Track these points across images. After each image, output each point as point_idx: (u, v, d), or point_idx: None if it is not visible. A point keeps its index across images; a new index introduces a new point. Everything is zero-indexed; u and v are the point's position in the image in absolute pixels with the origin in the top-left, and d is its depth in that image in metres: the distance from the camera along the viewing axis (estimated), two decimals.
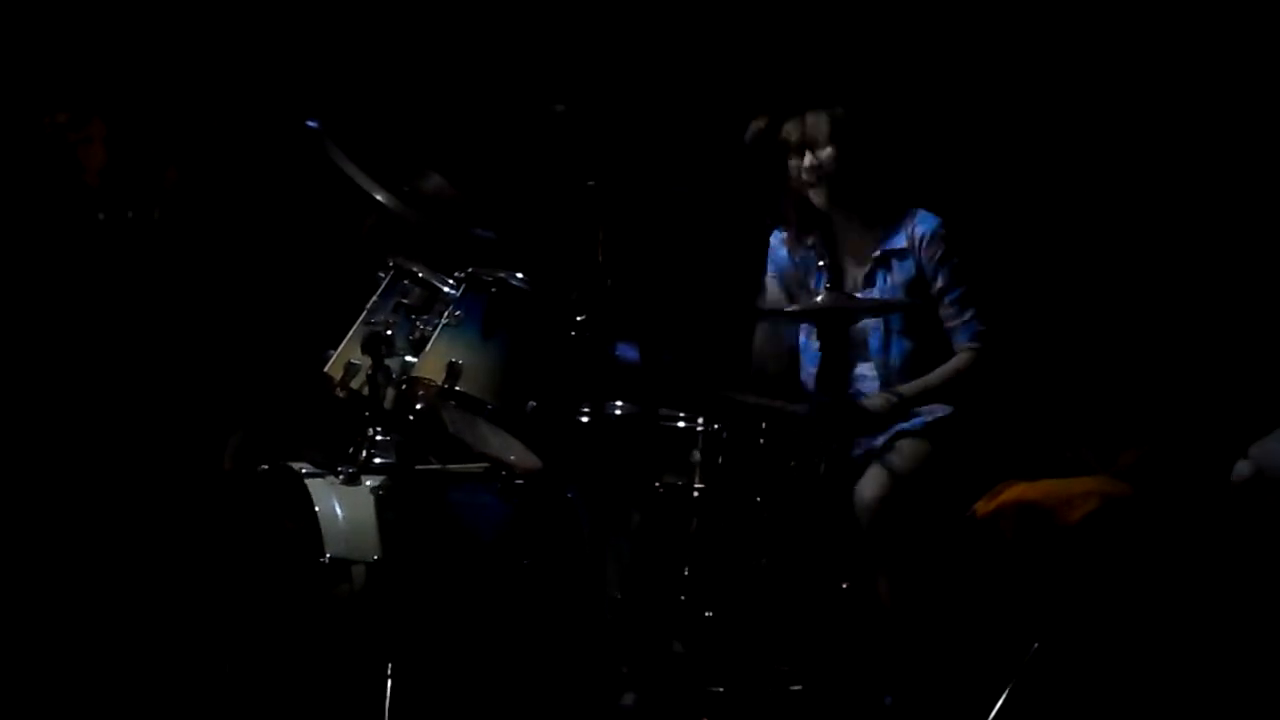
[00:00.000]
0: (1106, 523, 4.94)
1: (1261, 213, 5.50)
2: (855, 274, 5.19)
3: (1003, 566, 4.98)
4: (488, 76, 6.11)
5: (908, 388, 5.12)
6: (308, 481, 4.78)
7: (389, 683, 4.59)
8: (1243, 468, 4.93)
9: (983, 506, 5.07)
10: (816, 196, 5.17)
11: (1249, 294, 5.48)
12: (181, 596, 5.21)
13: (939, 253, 5.14)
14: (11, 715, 5.00)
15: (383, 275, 4.99)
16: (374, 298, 4.97)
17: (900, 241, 5.16)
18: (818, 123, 5.12)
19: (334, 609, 4.68)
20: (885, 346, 5.17)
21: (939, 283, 5.13)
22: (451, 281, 4.90)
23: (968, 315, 5.13)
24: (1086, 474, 5.18)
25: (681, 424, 4.81)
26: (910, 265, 5.15)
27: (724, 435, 4.78)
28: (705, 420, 4.80)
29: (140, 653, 5.18)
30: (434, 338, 4.81)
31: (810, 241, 5.24)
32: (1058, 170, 5.73)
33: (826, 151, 5.13)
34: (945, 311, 5.14)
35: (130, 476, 5.63)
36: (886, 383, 5.15)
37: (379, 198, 5.05)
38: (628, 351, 4.88)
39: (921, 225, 5.16)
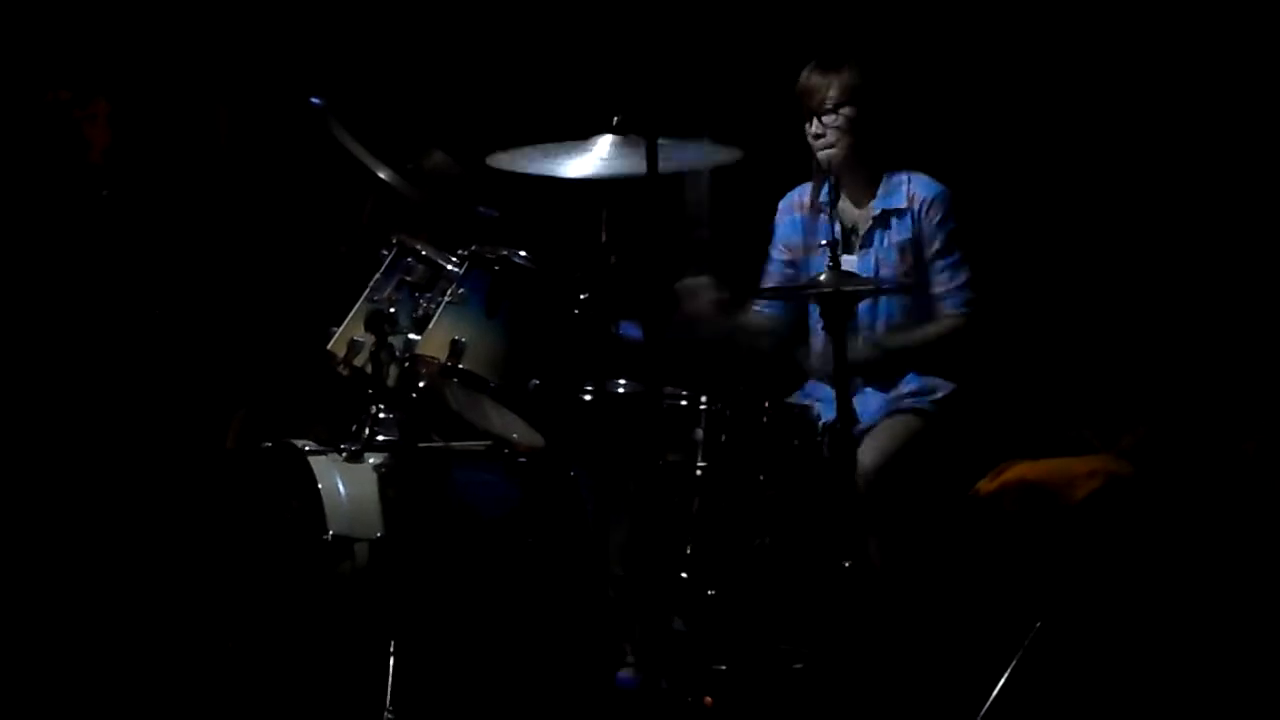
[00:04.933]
0: (1109, 502, 4.94)
1: (1264, 191, 5.49)
2: (856, 233, 5.20)
3: (1005, 546, 4.98)
4: (493, 53, 6.10)
5: (890, 340, 5.14)
6: (311, 459, 4.78)
7: (392, 660, 4.60)
8: None
9: (986, 486, 5.07)
10: (827, 156, 5.18)
11: (1252, 274, 5.47)
12: (184, 575, 5.22)
13: (938, 216, 5.16)
14: (15, 693, 5.01)
15: (386, 253, 4.99)
16: (377, 275, 4.96)
17: (899, 201, 5.18)
18: (839, 82, 5.14)
19: (337, 587, 4.68)
20: (873, 318, 5.17)
21: (935, 245, 5.15)
22: (455, 259, 4.90)
23: (959, 281, 5.16)
24: (1089, 454, 5.19)
25: (684, 402, 4.81)
26: (908, 225, 5.17)
27: (727, 413, 4.78)
28: (708, 399, 4.79)
29: (143, 631, 5.19)
30: (437, 315, 4.81)
31: (823, 209, 5.25)
32: (1065, 150, 5.72)
33: (846, 111, 5.14)
34: (937, 277, 5.16)
35: (134, 454, 5.63)
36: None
37: (383, 175, 5.05)
38: (631, 330, 4.88)
39: (923, 189, 5.18)
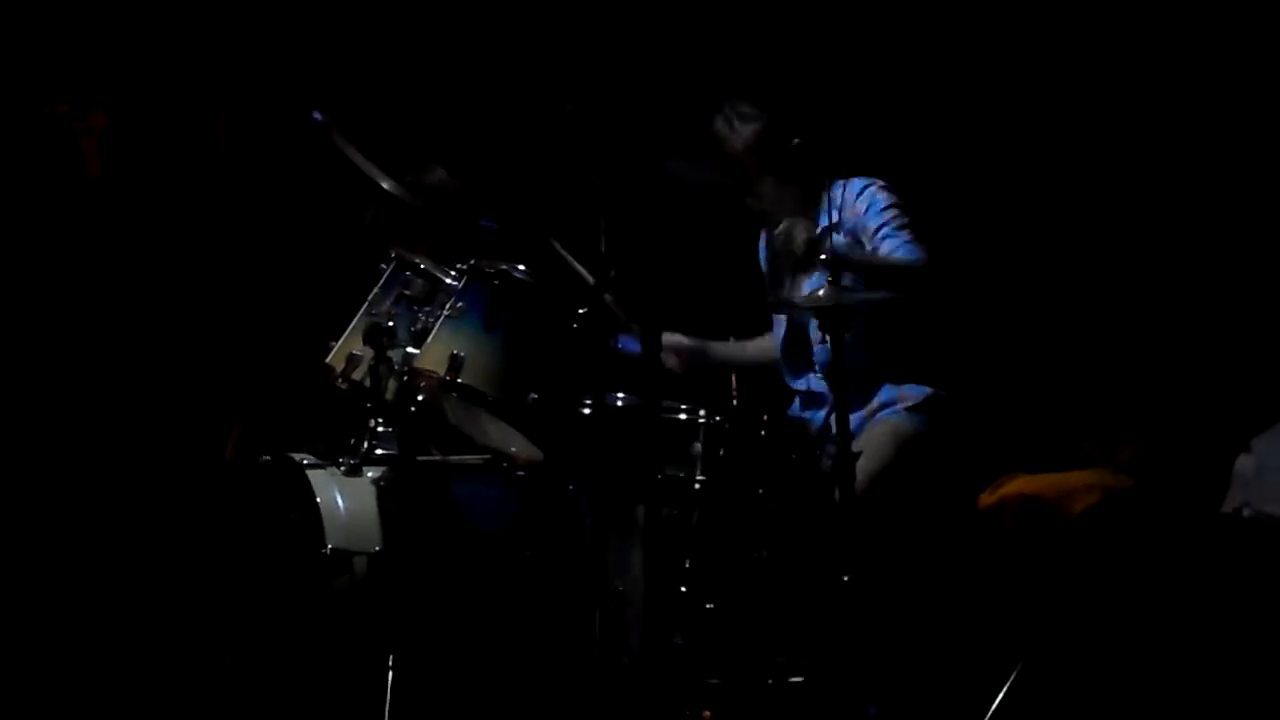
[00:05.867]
0: (1108, 516, 4.94)
1: (1261, 204, 5.49)
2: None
3: (1004, 559, 4.99)
4: (492, 69, 6.11)
5: (854, 253, 5.01)
6: (309, 473, 4.78)
7: (390, 674, 4.60)
8: (1245, 462, 4.93)
9: (985, 499, 5.08)
10: (757, 210, 5.16)
11: (1249, 287, 5.48)
12: (183, 587, 5.22)
13: (865, 206, 5.05)
14: (13, 707, 5.01)
15: (385, 266, 4.99)
16: (376, 289, 4.97)
17: (829, 216, 5.07)
18: (740, 141, 5.11)
19: (335, 600, 4.68)
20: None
21: (870, 226, 5.03)
22: (454, 273, 4.90)
23: (904, 238, 4.98)
24: (1088, 467, 5.19)
25: (683, 416, 4.81)
26: (842, 234, 5.07)
27: (725, 427, 4.78)
28: (707, 412, 4.79)
29: (142, 644, 5.18)
30: (436, 329, 4.81)
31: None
32: (1057, 163, 5.73)
33: (753, 167, 5.11)
34: (883, 246, 4.99)
35: (132, 467, 5.63)
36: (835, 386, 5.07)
37: (385, 185, 5.05)
38: (629, 343, 4.89)
39: (850, 192, 5.08)
